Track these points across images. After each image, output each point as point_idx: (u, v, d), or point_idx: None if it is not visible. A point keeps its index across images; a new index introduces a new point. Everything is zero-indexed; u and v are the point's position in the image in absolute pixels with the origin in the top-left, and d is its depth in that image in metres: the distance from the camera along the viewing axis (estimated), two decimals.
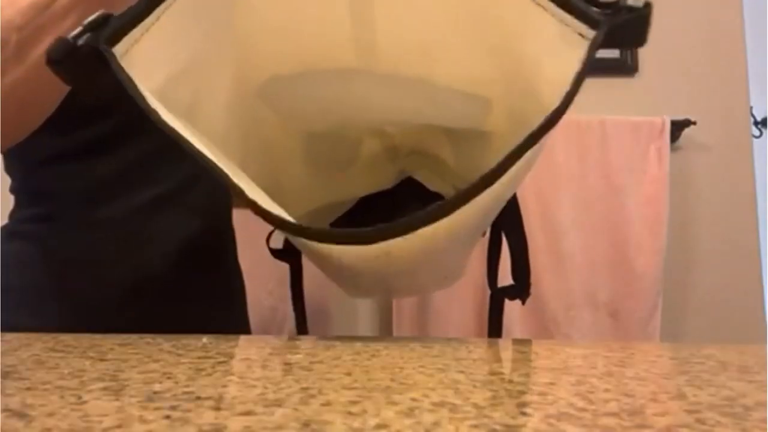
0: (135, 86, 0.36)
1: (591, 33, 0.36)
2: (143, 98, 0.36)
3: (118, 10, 0.39)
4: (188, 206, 0.69)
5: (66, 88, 0.54)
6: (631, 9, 0.37)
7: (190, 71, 0.43)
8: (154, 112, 0.36)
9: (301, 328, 0.71)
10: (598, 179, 1.39)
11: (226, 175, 0.35)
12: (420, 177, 0.71)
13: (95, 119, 0.64)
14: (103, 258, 0.65)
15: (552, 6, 0.38)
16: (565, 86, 0.35)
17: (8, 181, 0.71)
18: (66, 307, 0.63)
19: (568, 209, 1.38)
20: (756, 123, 1.54)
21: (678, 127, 1.44)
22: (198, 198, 0.70)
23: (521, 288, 0.60)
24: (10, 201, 0.71)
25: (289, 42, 0.49)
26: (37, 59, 0.51)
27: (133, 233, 0.66)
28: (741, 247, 1.45)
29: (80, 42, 0.37)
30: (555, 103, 0.35)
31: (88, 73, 0.38)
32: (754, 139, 1.51)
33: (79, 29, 0.37)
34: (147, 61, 0.39)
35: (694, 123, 1.44)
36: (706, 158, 1.48)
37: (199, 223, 0.70)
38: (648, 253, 1.36)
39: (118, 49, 0.37)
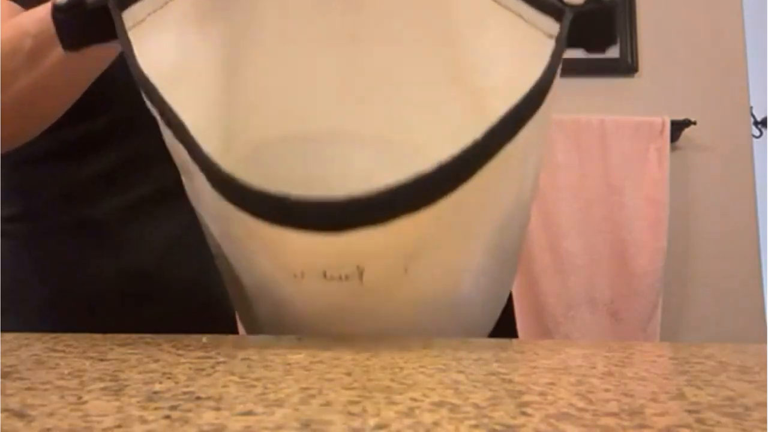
0: (131, 48, 0.35)
1: (556, 28, 0.35)
2: (135, 60, 0.35)
3: None
4: (174, 208, 0.67)
5: (75, 96, 0.54)
6: (596, 0, 0.36)
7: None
8: (143, 77, 0.35)
9: None
10: (598, 179, 1.39)
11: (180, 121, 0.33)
12: None
13: (81, 119, 0.63)
14: (84, 259, 0.64)
15: (515, 3, 0.37)
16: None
17: None
18: (46, 309, 0.63)
19: (568, 209, 1.38)
20: (756, 123, 1.54)
21: (678, 127, 1.45)
22: (185, 201, 0.69)
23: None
24: None
25: (278, 104, 0.49)
26: (48, 67, 0.51)
27: (116, 235, 0.65)
28: (741, 247, 1.45)
29: None
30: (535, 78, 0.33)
31: (89, 30, 0.38)
32: (754, 139, 1.51)
33: None
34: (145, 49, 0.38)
35: (694, 123, 1.44)
36: (706, 158, 1.48)
37: (186, 225, 0.68)
38: (648, 253, 1.36)
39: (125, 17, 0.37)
